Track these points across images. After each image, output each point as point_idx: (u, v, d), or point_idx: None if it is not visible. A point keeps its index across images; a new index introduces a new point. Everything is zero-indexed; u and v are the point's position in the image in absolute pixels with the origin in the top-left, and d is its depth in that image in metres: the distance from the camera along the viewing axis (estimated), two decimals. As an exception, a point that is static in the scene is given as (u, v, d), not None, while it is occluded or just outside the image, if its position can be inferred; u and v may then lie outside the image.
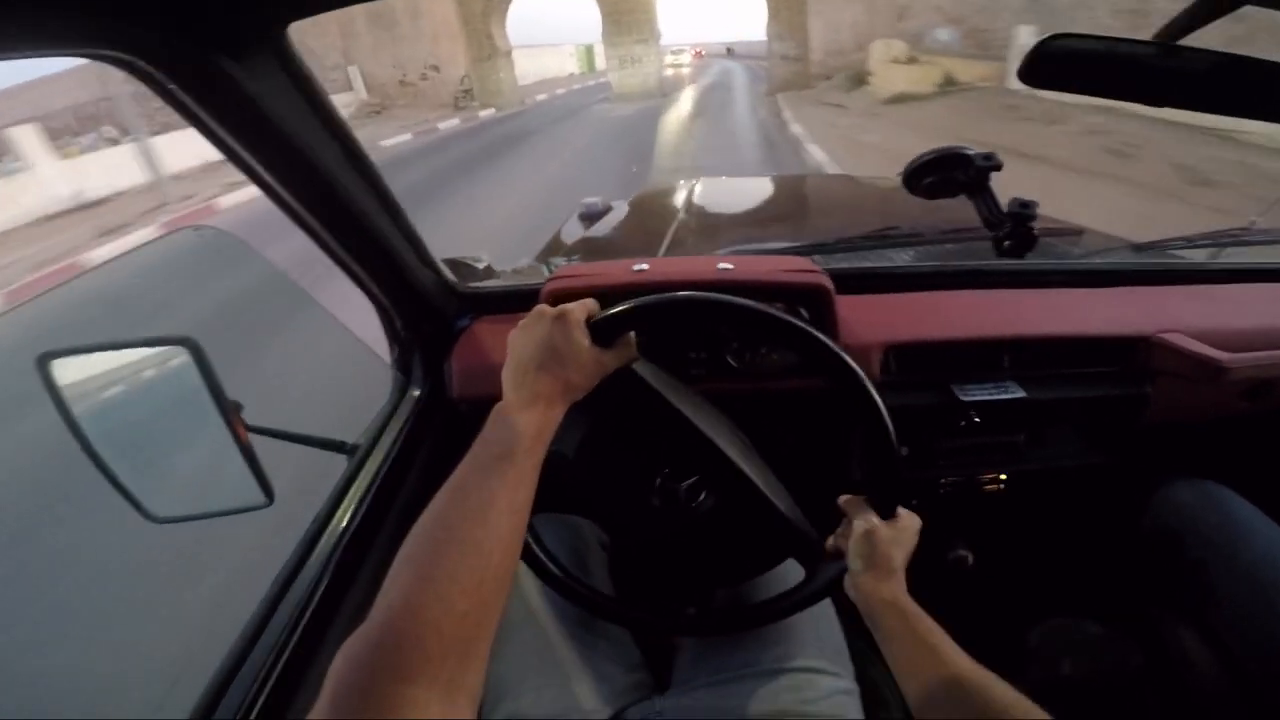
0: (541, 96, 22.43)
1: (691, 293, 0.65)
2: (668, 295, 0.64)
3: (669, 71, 28.96)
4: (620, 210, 1.96)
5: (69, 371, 0.65)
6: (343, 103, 14.68)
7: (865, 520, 0.67)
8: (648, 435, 0.75)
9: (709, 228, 1.60)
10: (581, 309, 0.62)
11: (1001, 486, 1.08)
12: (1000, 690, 0.50)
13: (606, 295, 0.70)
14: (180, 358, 0.67)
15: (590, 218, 1.96)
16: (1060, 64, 0.64)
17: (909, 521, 0.69)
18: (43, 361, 0.64)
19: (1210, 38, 0.54)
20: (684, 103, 16.83)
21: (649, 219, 1.84)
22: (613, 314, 0.62)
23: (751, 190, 2.11)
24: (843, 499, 0.71)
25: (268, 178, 0.68)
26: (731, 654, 0.77)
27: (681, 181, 2.08)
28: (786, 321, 0.64)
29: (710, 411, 0.76)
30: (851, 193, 1.94)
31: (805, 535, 0.73)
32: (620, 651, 0.82)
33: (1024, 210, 0.87)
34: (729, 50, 57.64)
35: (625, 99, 18.33)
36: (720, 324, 0.85)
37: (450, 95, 17.62)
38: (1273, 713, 0.80)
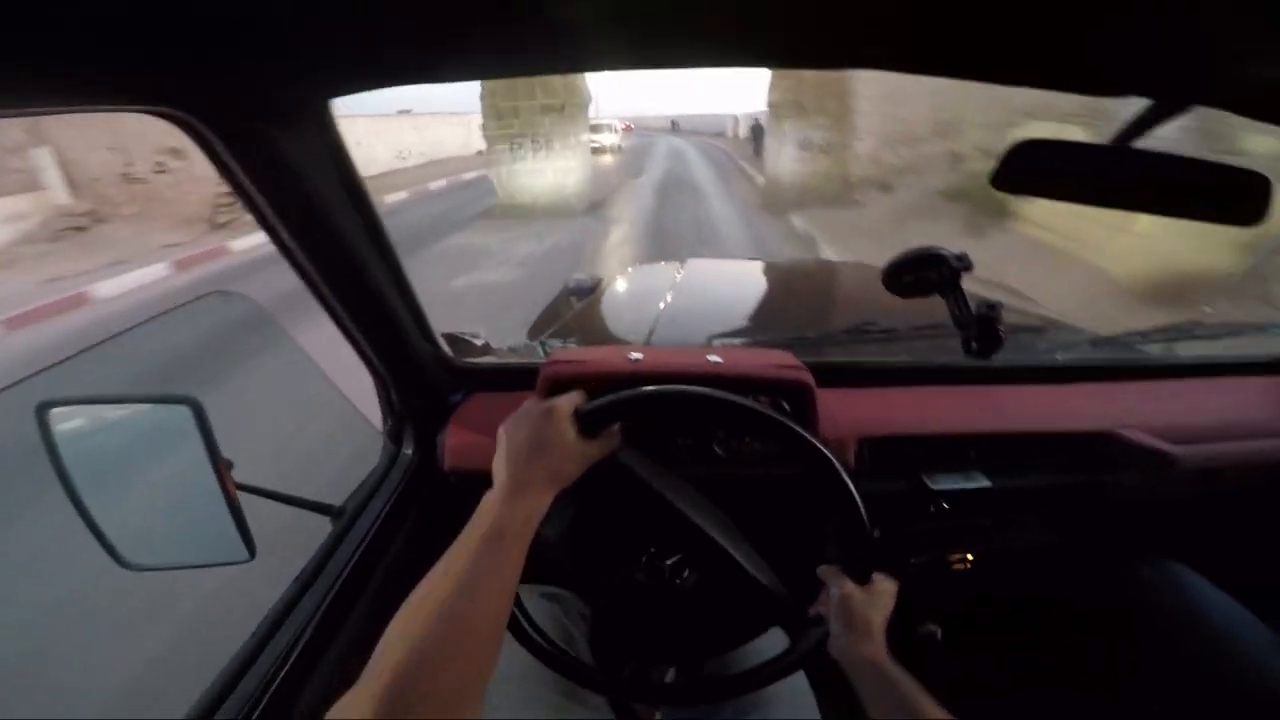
0: (399, 197, 12.91)
1: (674, 386, 0.70)
2: (651, 389, 0.70)
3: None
4: (607, 289, 2.02)
5: (68, 422, 0.66)
6: (19, 211, 8.75)
7: (842, 586, 0.71)
8: (633, 517, 0.78)
9: (695, 312, 1.66)
10: (569, 402, 0.67)
11: (969, 565, 1.11)
12: None
13: (602, 383, 0.74)
14: (181, 415, 0.68)
15: (579, 293, 2.01)
16: (1032, 169, 0.68)
17: (884, 586, 0.74)
18: (41, 410, 0.65)
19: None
20: (628, 230, 8.86)
21: (637, 299, 1.90)
22: (599, 407, 0.68)
23: (737, 274, 2.19)
24: (821, 568, 0.76)
25: (290, 242, 0.71)
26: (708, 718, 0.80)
27: (670, 262, 2.16)
28: (769, 416, 0.70)
29: (693, 494, 0.80)
30: (832, 281, 2.03)
31: (788, 603, 0.76)
32: (594, 715, 0.84)
33: (990, 312, 0.92)
34: (673, 125, 50.44)
35: (519, 215, 9.96)
36: (703, 417, 0.90)
37: (206, 201, 9.49)
38: None
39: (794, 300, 1.83)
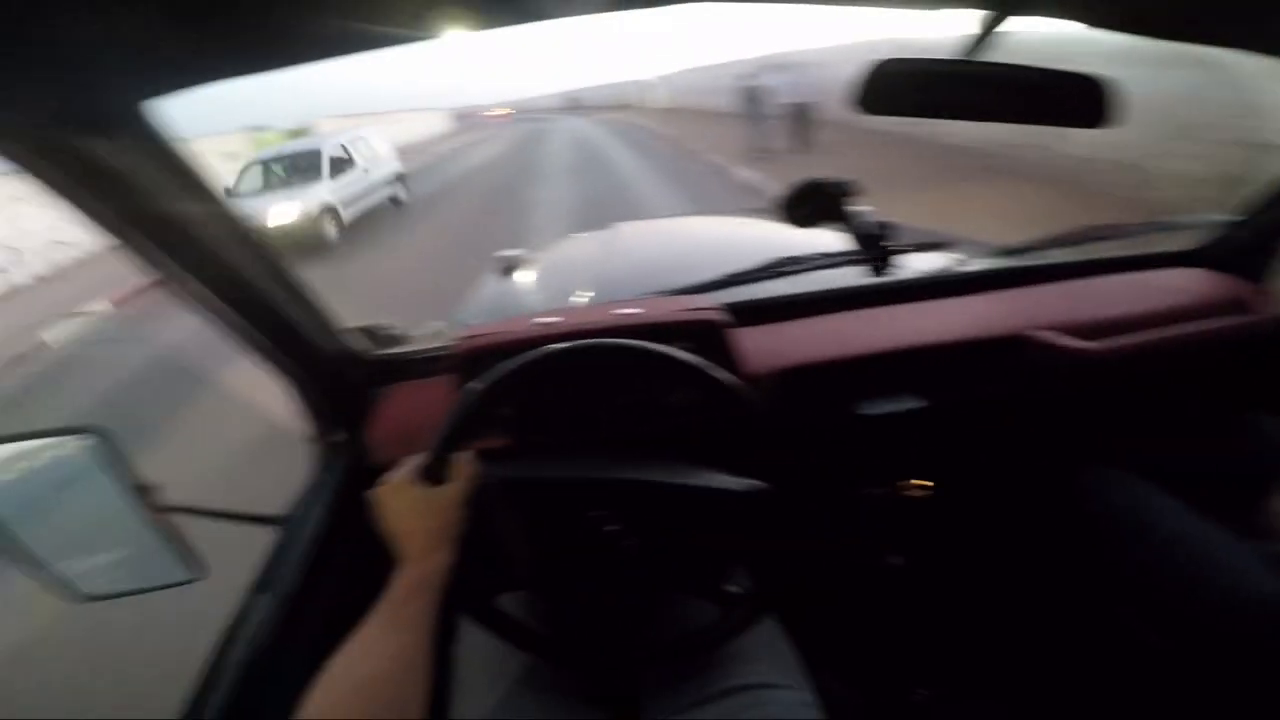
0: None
1: (500, 368, 0.70)
2: (470, 394, 0.69)
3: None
4: (538, 260, 2.00)
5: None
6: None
7: None
8: (548, 517, 0.77)
9: (623, 272, 1.66)
10: (405, 471, 0.68)
11: (929, 492, 1.13)
12: None
13: (513, 350, 0.74)
14: (88, 446, 0.68)
15: (509, 270, 2.00)
16: (894, 89, 0.70)
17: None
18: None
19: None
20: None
21: (567, 266, 1.91)
22: (433, 454, 0.68)
23: (665, 231, 2.20)
24: None
25: (153, 256, 0.68)
26: (690, 682, 0.79)
27: (599, 230, 2.15)
28: (615, 344, 0.70)
29: (595, 457, 0.80)
30: (758, 227, 2.04)
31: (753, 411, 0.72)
32: (587, 698, 0.83)
33: (880, 230, 0.95)
34: (574, 103, 34.90)
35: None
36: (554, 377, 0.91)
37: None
38: (1204, 676, 0.84)
39: (719, 249, 1.85)
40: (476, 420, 0.70)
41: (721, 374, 0.70)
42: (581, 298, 1.47)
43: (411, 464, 0.69)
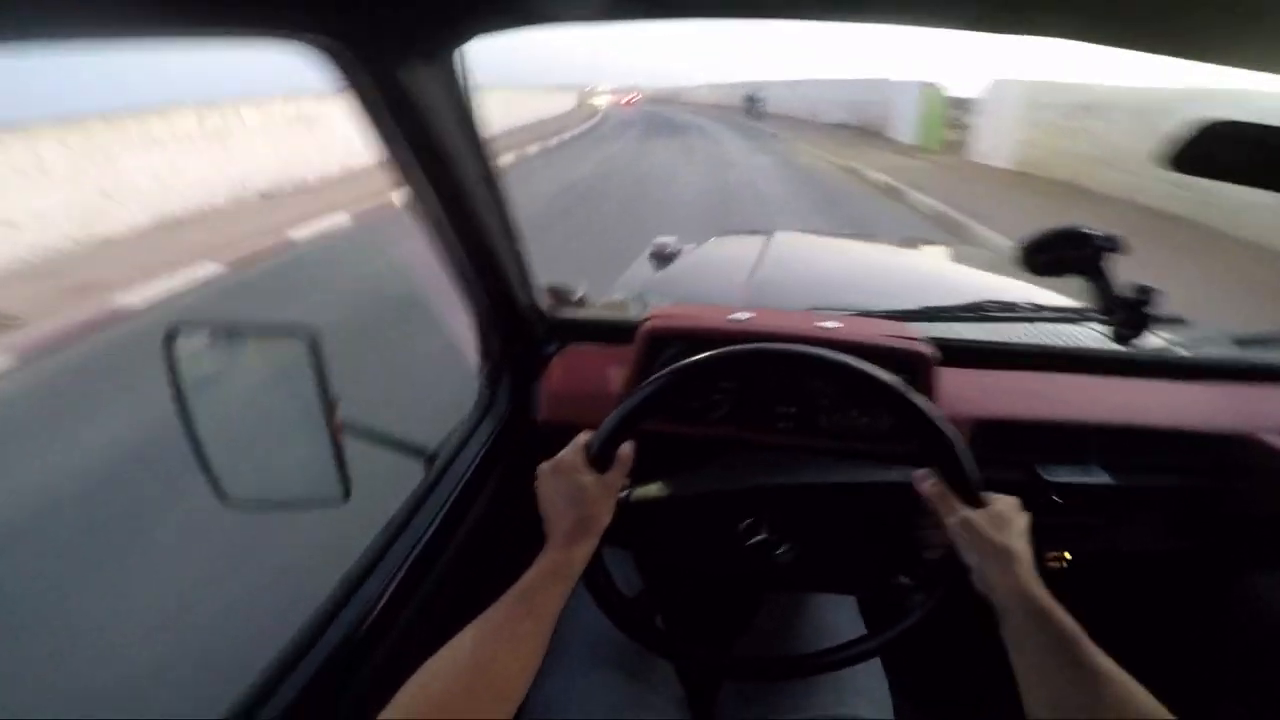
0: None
1: (718, 352, 0.67)
2: (659, 378, 0.67)
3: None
4: (690, 255, 1.96)
5: (191, 346, 0.67)
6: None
7: (952, 509, 0.64)
8: (706, 524, 0.75)
9: (790, 281, 1.59)
10: (573, 452, 0.67)
11: (1064, 565, 1.04)
12: (1146, 701, 0.47)
13: (702, 342, 0.72)
14: (296, 347, 0.68)
15: (662, 258, 1.97)
16: (1212, 150, 0.62)
17: (1003, 504, 0.65)
18: (170, 334, 0.66)
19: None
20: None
21: (725, 267, 1.84)
22: (604, 436, 0.66)
23: (830, 247, 2.10)
24: (924, 486, 0.67)
25: (415, 180, 0.72)
26: (778, 699, 0.78)
27: (757, 231, 2.08)
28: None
29: (763, 462, 0.78)
30: (942, 259, 1.92)
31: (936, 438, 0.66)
32: (666, 686, 0.83)
33: (1142, 295, 0.85)
34: (751, 103, 26.68)
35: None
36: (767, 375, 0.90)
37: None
38: None
39: (894, 275, 1.74)
40: (663, 405, 0.67)
41: (938, 415, 0.64)
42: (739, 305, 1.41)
43: (579, 444, 0.68)
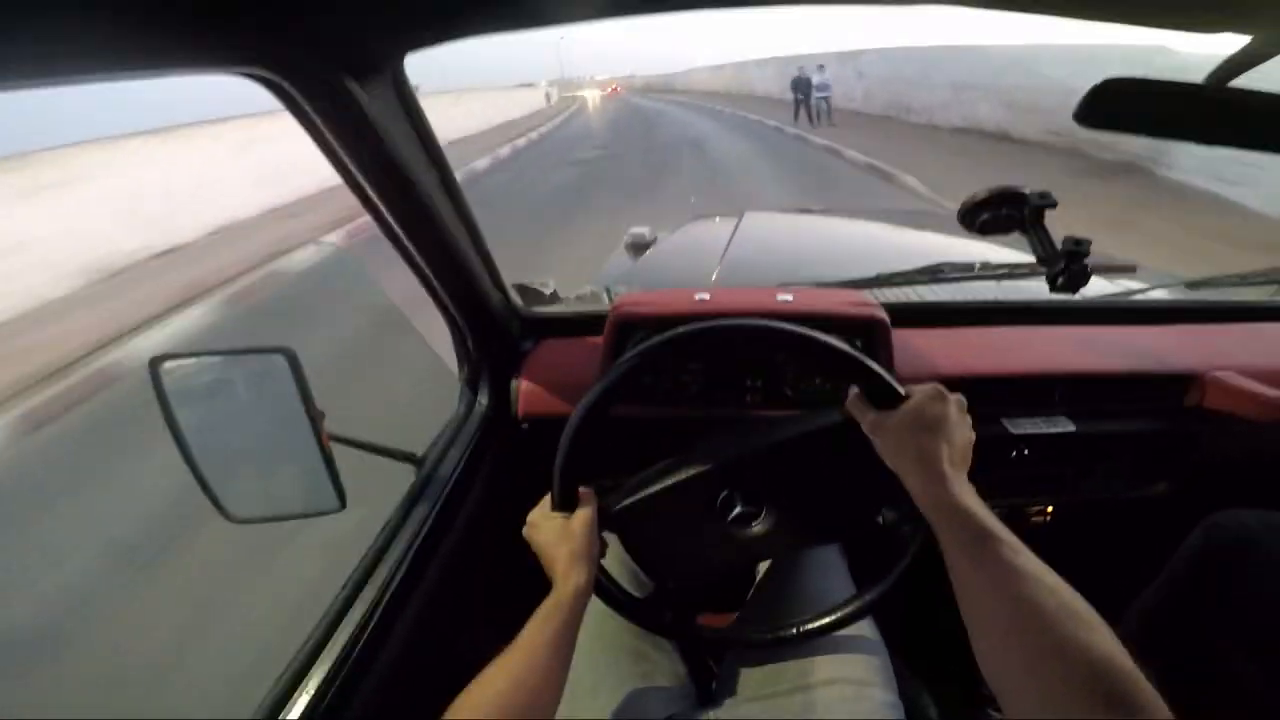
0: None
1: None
2: (586, 403, 0.69)
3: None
4: (665, 242, 2.00)
5: (176, 374, 0.71)
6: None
7: (864, 417, 0.65)
8: (679, 517, 0.77)
9: (759, 259, 1.63)
10: (540, 507, 0.74)
11: (1047, 518, 1.08)
12: (1072, 601, 0.44)
13: (669, 322, 0.73)
14: (278, 366, 0.72)
15: (637, 248, 2.01)
16: (1116, 106, 0.66)
17: (919, 398, 0.62)
18: (154, 365, 0.70)
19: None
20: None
21: (698, 248, 1.88)
22: (558, 482, 0.71)
23: (797, 223, 2.14)
24: (848, 405, 0.69)
25: (373, 196, 0.74)
26: (781, 667, 0.79)
27: (726, 215, 2.12)
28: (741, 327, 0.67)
29: (711, 441, 0.79)
30: (899, 226, 1.95)
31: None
32: (668, 662, 0.86)
33: (1077, 248, 0.88)
34: (804, 91, 15.04)
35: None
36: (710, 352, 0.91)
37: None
38: None
39: (860, 244, 1.78)
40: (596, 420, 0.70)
41: (893, 378, 0.66)
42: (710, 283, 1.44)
43: (544, 502, 0.74)
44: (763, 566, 0.97)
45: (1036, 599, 0.44)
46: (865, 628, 0.84)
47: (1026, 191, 0.90)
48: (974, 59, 11.28)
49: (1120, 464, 1.06)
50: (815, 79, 14.58)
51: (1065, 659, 0.40)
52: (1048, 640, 0.42)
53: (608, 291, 1.37)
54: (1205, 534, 0.98)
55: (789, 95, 15.94)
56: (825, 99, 14.44)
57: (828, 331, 0.71)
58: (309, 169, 8.17)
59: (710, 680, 0.87)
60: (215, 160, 8.43)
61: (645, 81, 79.48)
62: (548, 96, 40.26)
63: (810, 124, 14.37)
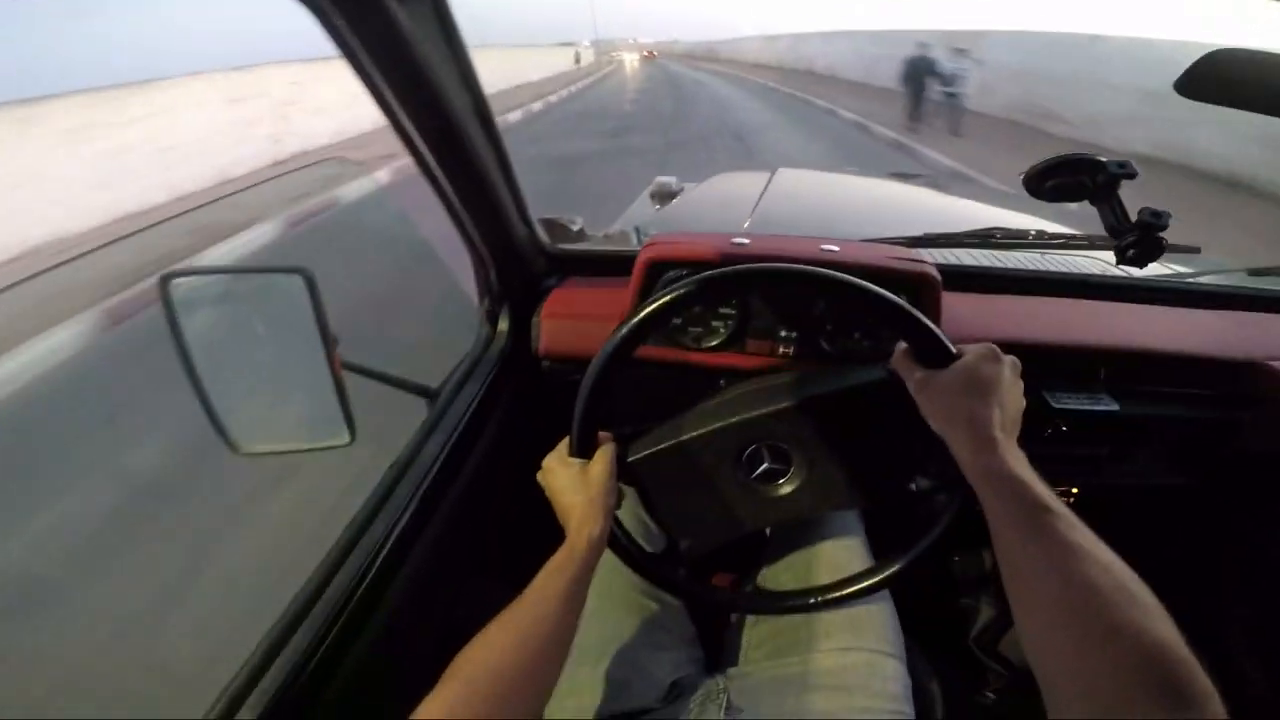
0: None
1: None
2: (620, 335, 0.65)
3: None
4: (693, 192, 1.93)
5: (187, 292, 0.67)
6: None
7: (911, 375, 0.61)
8: (700, 471, 0.74)
9: (794, 213, 1.56)
10: (556, 453, 0.71)
11: (1071, 500, 1.05)
12: (1129, 581, 0.41)
13: (703, 265, 0.70)
14: (294, 287, 0.68)
15: (663, 196, 1.94)
16: (1226, 75, 0.63)
17: (972, 357, 0.59)
18: (164, 281, 0.66)
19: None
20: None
21: (727, 202, 1.81)
22: (576, 432, 0.67)
23: (837, 182, 2.06)
24: (894, 361, 0.65)
25: (404, 119, 0.70)
26: (791, 631, 0.78)
27: (758, 170, 2.05)
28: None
29: (741, 392, 0.76)
30: (941, 191, 1.88)
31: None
32: (678, 624, 0.84)
33: (1155, 220, 0.83)
34: (919, 67, 9.57)
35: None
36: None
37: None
38: None
39: (902, 205, 1.71)
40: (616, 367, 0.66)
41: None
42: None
43: (560, 447, 0.71)
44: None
45: (1091, 578, 0.41)
46: (878, 594, 0.81)
47: (1104, 159, 0.84)
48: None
49: (1160, 449, 1.02)
50: (948, 66, 9.60)
51: (1119, 643, 0.37)
52: (1101, 623, 0.39)
53: (637, 232, 1.31)
54: (1235, 536, 0.96)
55: (850, 75, 12.47)
56: (955, 96, 9.57)
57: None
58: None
59: (718, 642, 0.85)
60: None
61: (686, 49, 75.86)
62: (577, 57, 39.36)
63: (924, 128, 9.47)
